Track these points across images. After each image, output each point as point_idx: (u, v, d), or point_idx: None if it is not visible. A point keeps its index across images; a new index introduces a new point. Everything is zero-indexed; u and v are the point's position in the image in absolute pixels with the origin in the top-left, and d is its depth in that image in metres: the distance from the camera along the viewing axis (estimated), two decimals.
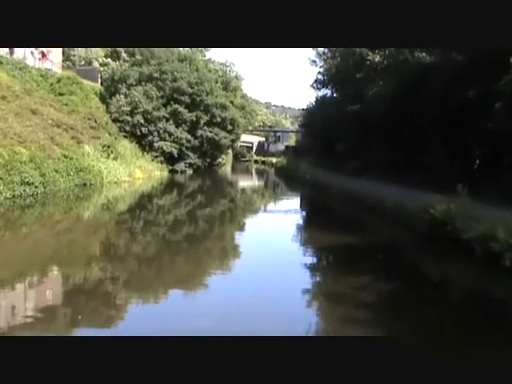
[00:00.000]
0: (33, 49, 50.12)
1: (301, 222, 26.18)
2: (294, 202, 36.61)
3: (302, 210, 32.08)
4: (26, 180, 23.60)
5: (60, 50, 55.51)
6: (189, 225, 22.32)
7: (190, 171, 50.07)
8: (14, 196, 22.80)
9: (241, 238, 19.63)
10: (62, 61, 57.74)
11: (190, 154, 48.64)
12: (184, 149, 47.44)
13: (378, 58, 36.96)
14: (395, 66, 32.02)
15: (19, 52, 47.59)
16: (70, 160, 29.91)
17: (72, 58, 62.32)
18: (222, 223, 24.01)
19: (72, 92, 41.10)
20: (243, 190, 46.28)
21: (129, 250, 16.53)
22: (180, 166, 48.34)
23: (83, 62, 61.22)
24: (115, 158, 37.41)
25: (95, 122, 39.50)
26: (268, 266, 14.05)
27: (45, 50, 51.53)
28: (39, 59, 49.55)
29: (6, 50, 44.12)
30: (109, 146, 37.65)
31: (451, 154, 26.13)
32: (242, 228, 22.86)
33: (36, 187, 24.40)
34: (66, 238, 18.41)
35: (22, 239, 17.77)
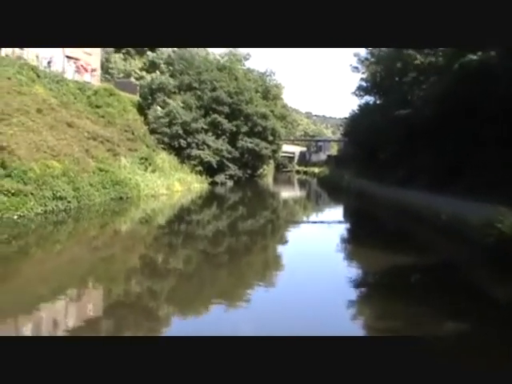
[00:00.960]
0: (71, 62, 50.35)
1: (345, 234, 24.80)
2: (337, 213, 35.39)
3: (346, 222, 30.77)
4: (59, 195, 22.76)
5: (99, 63, 55.70)
6: (230, 238, 21.70)
7: (230, 183, 48.97)
8: (45, 211, 21.95)
9: (283, 252, 18.84)
10: (101, 74, 57.91)
11: (230, 165, 47.61)
12: (224, 160, 46.40)
13: (427, 60, 35.41)
14: (449, 66, 30.43)
15: (58, 65, 47.76)
16: (105, 173, 29.17)
17: (110, 70, 62.49)
18: (263, 236, 23.19)
19: (109, 104, 40.65)
20: (285, 201, 45.38)
21: (169, 265, 16.08)
22: (220, 177, 47.33)
23: (122, 75, 61.28)
24: (153, 171, 36.64)
25: (132, 133, 38.89)
26: (310, 285, 13.09)
27: (83, 63, 51.69)
28: (77, 72, 49.66)
29: (45, 63, 44.24)
30: (146, 159, 36.93)
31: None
32: (283, 241, 21.99)
33: (69, 202, 23.58)
34: (102, 254, 17.72)
35: (56, 256, 17.05)
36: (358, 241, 22.40)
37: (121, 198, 29.57)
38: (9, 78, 32.26)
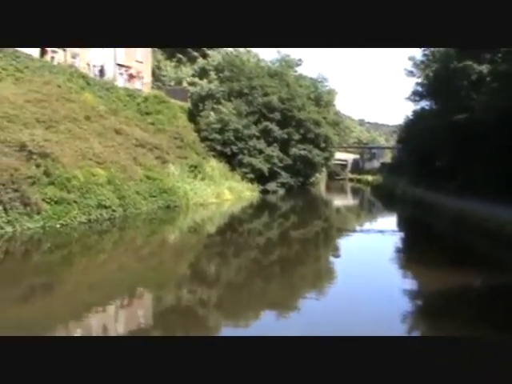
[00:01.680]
0: (122, 70, 50.58)
1: (400, 244, 23.61)
2: (391, 222, 34.08)
3: (400, 231, 29.53)
4: (103, 203, 22.09)
5: (150, 70, 55.81)
6: (281, 248, 21.21)
7: (282, 191, 47.69)
8: (89, 220, 21.30)
9: (335, 262, 18.39)
10: (152, 81, 58.01)
11: (282, 172, 46.35)
12: (276, 167, 45.24)
13: (486, 64, 33.59)
14: None
15: (109, 73, 47.99)
16: (153, 181, 28.52)
17: (162, 78, 62.54)
18: (315, 245, 22.72)
19: (159, 111, 40.24)
20: (338, 209, 44.61)
21: (218, 274, 15.82)
22: (271, 185, 46.14)
23: (173, 83, 61.21)
24: (202, 179, 35.86)
25: (182, 141, 38.26)
26: (362, 298, 12.48)
27: (134, 71, 51.86)
28: (128, 80, 49.82)
29: (96, 70, 44.45)
30: (196, 166, 36.20)
31: None
32: (336, 251, 21.37)
33: (114, 211, 22.87)
34: (149, 263, 17.33)
35: (100, 265, 16.73)
36: (413, 252, 21.20)
37: (168, 207, 28.85)
38: (59, 86, 32.17)
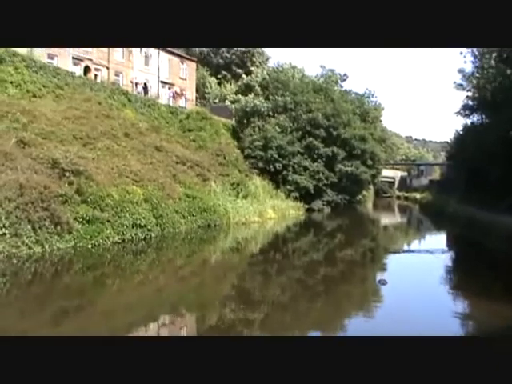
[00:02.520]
0: (166, 87, 50.47)
1: (451, 266, 22.34)
2: (441, 242, 32.63)
3: (450, 251, 28.11)
4: (138, 222, 21.19)
5: (194, 87, 55.61)
6: (326, 267, 20.44)
7: (327, 209, 46.15)
8: (123, 240, 20.39)
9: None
10: (197, 98, 57.78)
11: (327, 190, 44.82)
12: (321, 185, 43.78)
13: None
14: None
15: (153, 90, 47.92)
16: (192, 199, 27.59)
17: (206, 95, 62.28)
18: (362, 265, 22.06)
19: (201, 128, 39.56)
20: (385, 227, 43.48)
21: (262, 294, 15.38)
22: (317, 203, 44.65)
23: (217, 100, 60.85)
24: (245, 197, 34.77)
25: (224, 158, 37.36)
26: (409, 323, 11.48)
27: (178, 88, 51.71)
28: (172, 97, 49.63)
29: (140, 88, 44.35)
30: (238, 184, 35.14)
31: None
32: (383, 270, 20.39)
33: (149, 230, 21.86)
34: (187, 284, 16.87)
35: (134, 287, 15.97)
36: (464, 274, 19.75)
37: (209, 226, 27.87)
38: (99, 103, 31.87)
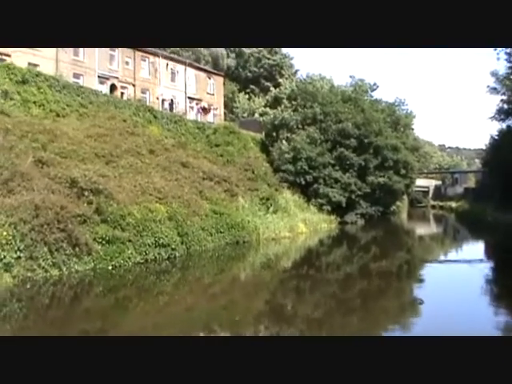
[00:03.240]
0: (194, 103, 50.08)
1: (491, 276, 21.53)
2: (479, 251, 31.57)
3: (489, 261, 27.16)
4: (161, 241, 20.36)
5: (222, 103, 55.14)
6: (361, 281, 20.05)
7: (361, 221, 44.79)
8: (146, 260, 19.58)
9: (420, 295, 16.50)
10: (226, 113, 57.31)
11: (360, 201, 43.52)
12: (354, 197, 42.52)
13: None
14: None
15: (180, 106, 47.55)
16: (220, 216, 26.72)
17: (235, 110, 61.78)
18: (398, 278, 21.41)
19: (229, 142, 38.87)
20: (421, 238, 42.46)
21: (296, 311, 15.13)
22: (350, 216, 43.31)
23: (246, 114, 60.26)
24: (275, 212, 33.72)
25: (253, 172, 36.48)
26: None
27: (205, 103, 51.28)
28: (200, 113, 49.21)
29: (166, 105, 43.99)
30: (268, 199, 34.14)
31: None
32: (420, 283, 19.96)
33: (173, 249, 20.91)
34: (219, 302, 16.35)
35: (162, 307, 15.38)
36: (507, 288, 18.38)
37: (237, 243, 26.92)
38: (124, 120, 31.45)
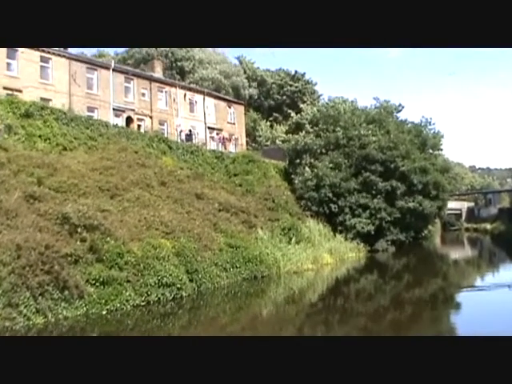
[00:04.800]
0: (214, 133, 48.63)
1: None
2: None
3: None
4: (165, 281, 18.47)
5: (243, 132, 53.64)
6: (393, 312, 18.95)
7: (392, 248, 42.11)
8: (148, 303, 17.65)
9: (459, 325, 15.91)
10: (248, 142, 55.75)
11: (390, 228, 41.09)
12: (383, 223, 40.23)
13: None
14: None
15: (200, 136, 46.16)
16: (235, 249, 24.72)
17: (258, 138, 60.24)
18: (432, 307, 20.16)
19: (248, 171, 37.15)
20: (455, 262, 40.47)
21: None
22: (380, 244, 40.70)
23: (269, 142, 58.62)
24: (297, 242, 31.54)
25: (273, 201, 34.55)
26: None
27: (226, 133, 49.80)
28: (220, 142, 47.76)
29: (183, 135, 42.58)
30: (289, 229, 32.03)
31: None
32: (457, 310, 19.25)
33: (179, 288, 18.95)
34: None
35: None
36: None
37: (255, 278, 24.83)
38: (136, 152, 30.02)
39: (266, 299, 22.60)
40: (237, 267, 24.01)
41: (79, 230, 17.04)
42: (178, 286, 18.93)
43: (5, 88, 31.45)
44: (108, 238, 17.73)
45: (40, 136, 26.26)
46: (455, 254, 48.45)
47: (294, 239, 31.53)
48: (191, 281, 20.42)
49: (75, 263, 16.17)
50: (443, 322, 16.95)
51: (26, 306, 14.13)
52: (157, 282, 18.17)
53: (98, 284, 16.37)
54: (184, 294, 19.33)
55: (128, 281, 17.28)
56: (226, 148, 47.35)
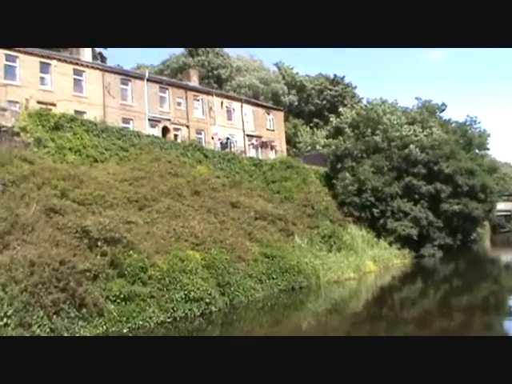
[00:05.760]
0: (253, 140, 47.59)
1: None
2: None
3: None
4: (192, 295, 17.27)
5: (283, 138, 52.41)
6: (442, 318, 18.18)
7: (439, 253, 40.26)
8: (174, 319, 16.49)
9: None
10: (288, 149, 54.48)
11: (436, 232, 39.21)
12: (428, 228, 38.41)
13: None
14: None
15: (238, 144, 45.18)
16: (271, 259, 23.42)
17: (298, 145, 58.83)
18: (484, 312, 19.46)
19: (287, 178, 35.90)
20: (507, 266, 38.80)
21: None
22: (426, 249, 38.88)
23: (309, 148, 57.10)
24: (338, 250, 30.11)
25: (312, 208, 33.13)
26: None
27: (265, 139, 48.69)
28: (260, 149, 46.72)
29: (218, 143, 41.64)
30: (330, 236, 30.57)
31: None
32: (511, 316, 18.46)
33: (208, 303, 17.64)
34: None
35: None
36: None
37: (293, 289, 23.46)
38: (169, 162, 29.17)
39: (306, 311, 21.27)
40: (273, 278, 22.74)
41: (99, 243, 16.06)
42: (207, 300, 17.71)
43: (39, 102, 31.03)
44: (131, 252, 16.71)
45: (70, 148, 25.61)
46: (507, 256, 46.62)
47: (334, 247, 30.09)
48: (223, 294, 19.25)
49: (94, 279, 15.17)
50: (496, 329, 16.11)
51: (39, 326, 13.10)
52: (183, 296, 17.01)
53: (118, 300, 15.29)
54: (214, 308, 18.09)
55: (152, 296, 16.17)
56: (265, 155, 46.20)
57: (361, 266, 29.69)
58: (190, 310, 17.10)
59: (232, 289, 19.74)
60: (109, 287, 15.35)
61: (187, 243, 20.05)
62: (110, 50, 67.59)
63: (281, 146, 51.38)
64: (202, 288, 17.70)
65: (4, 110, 24.47)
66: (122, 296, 15.36)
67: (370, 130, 40.45)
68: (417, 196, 38.39)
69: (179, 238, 20.14)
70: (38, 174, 19.97)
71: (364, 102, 55.38)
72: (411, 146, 38.35)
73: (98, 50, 48.77)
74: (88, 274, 14.94)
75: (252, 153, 46.24)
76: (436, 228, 38.94)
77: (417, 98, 48.47)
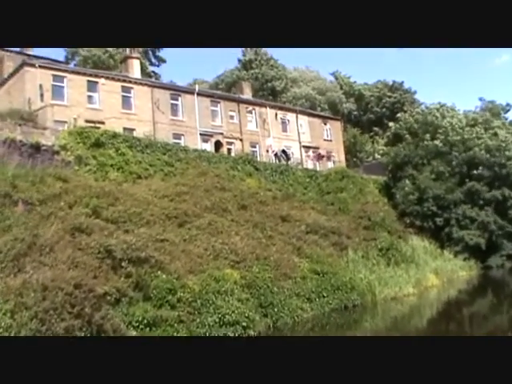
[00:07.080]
0: (310, 151, 45.92)
1: None
2: None
3: None
4: (227, 319, 15.58)
5: (341, 148, 50.40)
6: None
7: (508, 264, 36.75)
8: None
9: None
10: (347, 160, 52.32)
11: (504, 242, 36.10)
12: (495, 237, 35.38)
13: None
14: None
15: (295, 156, 43.61)
16: (322, 276, 21.55)
17: (358, 154, 56.56)
18: None
19: (342, 188, 33.90)
20: None
21: None
22: (494, 259, 35.77)
23: (370, 157, 54.71)
24: (397, 263, 27.79)
25: (369, 219, 30.90)
26: None
27: (323, 151, 46.88)
28: (317, 161, 44.96)
29: (272, 156, 40.10)
30: (388, 249, 28.32)
31: None
32: None
33: (245, 327, 15.79)
34: None
35: None
36: None
37: (346, 307, 21.38)
38: (217, 176, 27.84)
39: (362, 331, 19.23)
40: (323, 296, 20.83)
41: (124, 264, 14.70)
42: (244, 324, 15.90)
43: (87, 121, 30.42)
44: (158, 272, 15.27)
45: (112, 165, 24.66)
46: None
47: (393, 260, 27.78)
48: (265, 316, 17.54)
49: (116, 303, 13.78)
50: None
51: None
52: (217, 320, 15.31)
53: (142, 326, 13.82)
54: (252, 332, 16.31)
55: (181, 321, 14.61)
56: (323, 166, 44.28)
57: (422, 279, 27.22)
58: (224, 335, 15.43)
59: (276, 309, 18.02)
60: (131, 312, 13.93)
61: (226, 261, 18.54)
62: (163, 67, 67.65)
63: (339, 156, 49.26)
64: (239, 310, 15.95)
65: (45, 128, 23.95)
66: (145, 321, 13.88)
67: (429, 135, 37.75)
68: (481, 202, 35.47)
69: (218, 255, 18.66)
70: (71, 192, 18.94)
71: (422, 107, 52.61)
72: (476, 149, 35.44)
73: (150, 68, 48.43)
74: (109, 297, 13.56)
75: (309, 164, 44.45)
76: (504, 237, 35.78)
77: (480, 99, 45.49)
